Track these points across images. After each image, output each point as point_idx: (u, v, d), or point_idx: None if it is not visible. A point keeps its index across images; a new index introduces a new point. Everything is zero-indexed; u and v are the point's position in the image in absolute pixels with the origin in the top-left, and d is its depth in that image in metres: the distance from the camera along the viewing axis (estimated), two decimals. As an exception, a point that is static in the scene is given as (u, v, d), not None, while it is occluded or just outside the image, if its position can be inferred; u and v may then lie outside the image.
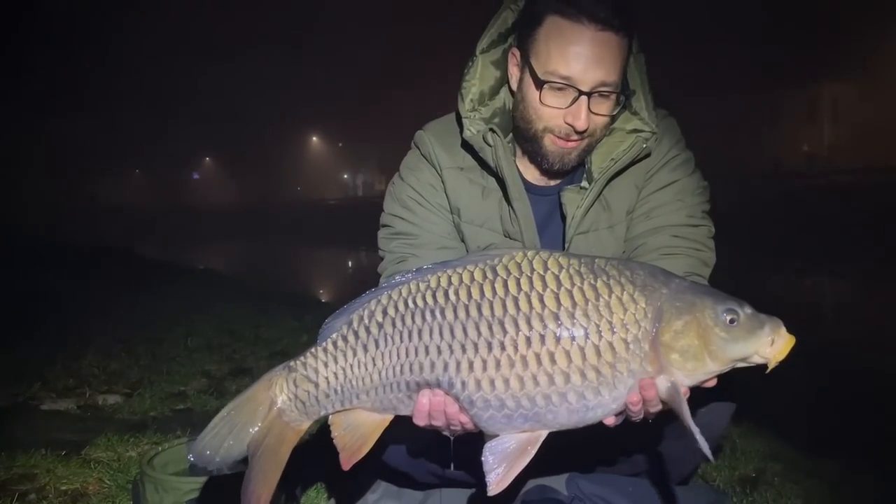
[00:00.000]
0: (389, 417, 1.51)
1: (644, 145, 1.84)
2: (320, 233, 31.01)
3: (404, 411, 1.48)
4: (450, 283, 1.43)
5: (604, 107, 1.74)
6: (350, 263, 21.56)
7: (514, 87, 1.85)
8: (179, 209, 57.07)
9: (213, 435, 1.49)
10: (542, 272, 1.40)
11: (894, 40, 35.18)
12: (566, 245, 1.89)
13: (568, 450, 1.65)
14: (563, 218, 1.89)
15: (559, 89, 1.71)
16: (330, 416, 1.53)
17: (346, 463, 1.50)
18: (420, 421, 1.46)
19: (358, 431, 1.51)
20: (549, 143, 1.80)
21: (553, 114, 1.74)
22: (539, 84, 1.72)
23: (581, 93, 1.70)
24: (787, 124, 40.14)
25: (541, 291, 1.38)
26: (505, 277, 1.41)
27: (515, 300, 1.38)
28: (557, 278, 1.39)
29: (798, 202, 22.66)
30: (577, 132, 1.74)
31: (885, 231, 17.32)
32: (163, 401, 3.94)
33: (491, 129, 1.84)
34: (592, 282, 1.38)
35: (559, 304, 1.36)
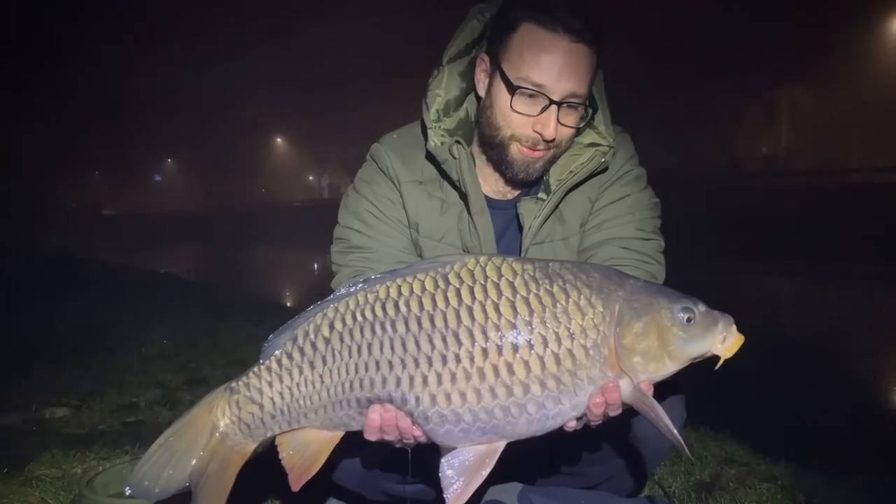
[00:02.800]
0: (340, 434, 1.47)
1: (602, 159, 1.85)
2: (285, 235, 30.67)
3: (356, 427, 1.44)
4: (399, 293, 1.38)
5: (571, 118, 1.76)
6: (315, 266, 21.37)
7: (482, 93, 1.83)
8: (140, 212, 56.11)
9: (152, 464, 1.42)
10: (496, 279, 1.36)
11: (850, 46, 36.05)
12: (526, 237, 1.88)
13: (520, 463, 1.63)
14: (520, 229, 1.89)
15: (530, 96, 1.71)
16: (277, 436, 1.47)
17: (296, 483, 1.46)
18: (371, 436, 1.43)
19: (307, 450, 1.46)
20: (516, 151, 1.79)
21: (522, 121, 1.74)
22: (512, 89, 1.72)
23: (552, 101, 1.70)
24: (747, 127, 40.90)
25: (496, 300, 1.34)
26: (458, 286, 1.36)
27: (470, 310, 1.34)
28: (512, 285, 1.35)
29: (757, 203, 23.10)
30: (544, 141, 1.74)
31: (841, 231, 17.76)
32: (112, 413, 3.84)
33: (457, 142, 1.82)
34: (548, 287, 1.35)
35: (515, 312, 1.33)
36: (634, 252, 1.84)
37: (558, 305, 1.33)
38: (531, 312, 1.33)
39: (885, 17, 36.10)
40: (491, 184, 1.91)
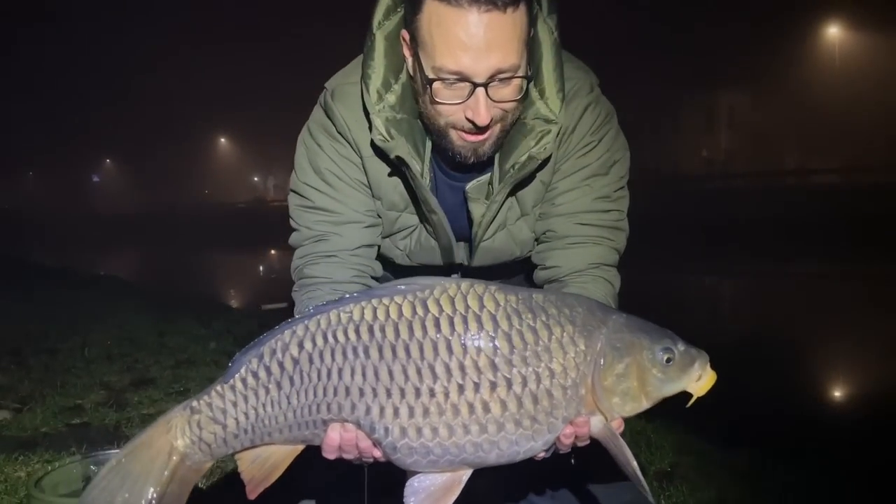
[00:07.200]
0: (300, 448, 1.41)
1: (547, 146, 1.66)
2: (229, 237, 30.11)
3: (318, 443, 1.39)
4: (374, 316, 1.31)
5: (506, 92, 1.54)
6: (261, 268, 21.07)
7: (411, 73, 1.64)
8: (78, 214, 54.37)
9: (102, 489, 1.32)
10: (477, 310, 1.30)
11: (785, 53, 37.36)
12: (478, 233, 1.77)
13: (487, 486, 1.59)
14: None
15: (451, 84, 1.51)
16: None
17: (253, 492, 1.40)
18: (329, 455, 1.37)
19: (267, 463, 1.40)
20: (457, 138, 1.62)
21: (451, 109, 1.55)
22: (428, 82, 1.53)
23: (476, 85, 1.50)
24: (687, 131, 41.94)
25: (476, 333, 1.28)
26: (437, 315, 1.30)
27: (448, 343, 1.28)
28: (494, 318, 1.29)
29: (697, 205, 23.67)
30: (478, 127, 1.56)
31: (778, 231, 18.38)
32: (56, 415, 3.67)
33: (392, 137, 1.64)
34: (531, 322, 1.30)
35: (496, 348, 1.28)
36: (592, 227, 1.75)
37: (540, 343, 1.28)
38: (512, 350, 1.28)
39: (819, 24, 37.56)
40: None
